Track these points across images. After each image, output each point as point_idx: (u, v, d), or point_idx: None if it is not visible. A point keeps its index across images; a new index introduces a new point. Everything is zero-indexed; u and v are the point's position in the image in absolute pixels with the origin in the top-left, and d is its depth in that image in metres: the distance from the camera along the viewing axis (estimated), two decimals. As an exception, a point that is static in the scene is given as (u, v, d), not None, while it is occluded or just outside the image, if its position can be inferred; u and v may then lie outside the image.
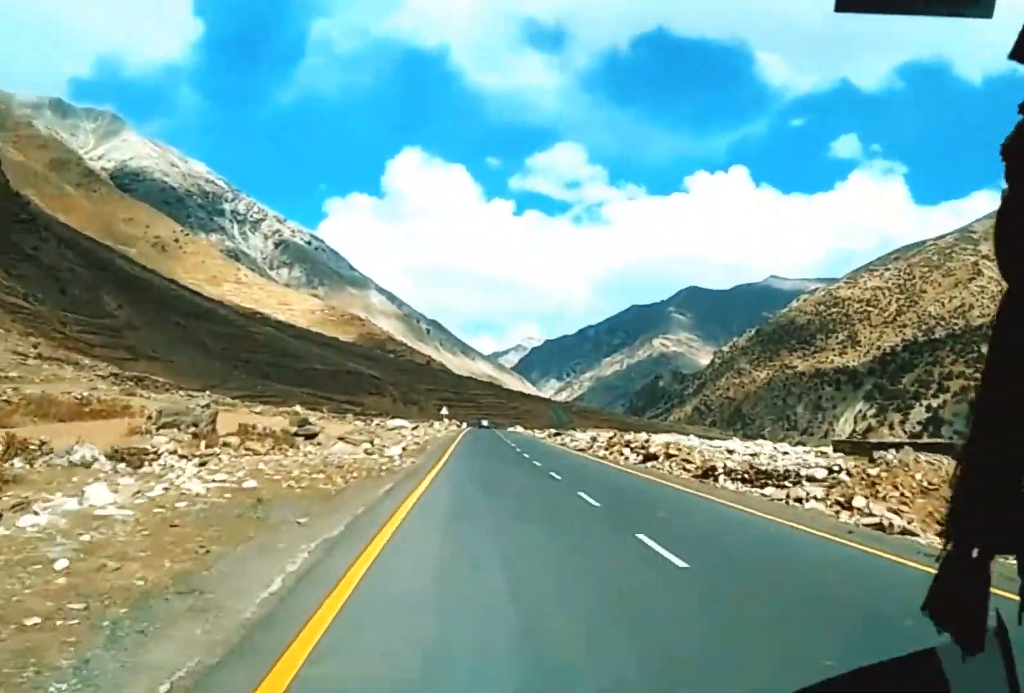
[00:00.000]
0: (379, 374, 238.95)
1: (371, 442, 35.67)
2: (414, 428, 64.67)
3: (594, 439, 66.36)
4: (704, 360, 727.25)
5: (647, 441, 45.88)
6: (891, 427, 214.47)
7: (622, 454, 44.78)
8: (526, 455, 43.33)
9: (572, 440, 70.98)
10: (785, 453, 50.57)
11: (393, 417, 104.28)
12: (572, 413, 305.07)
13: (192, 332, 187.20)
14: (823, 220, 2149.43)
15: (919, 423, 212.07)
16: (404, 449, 35.85)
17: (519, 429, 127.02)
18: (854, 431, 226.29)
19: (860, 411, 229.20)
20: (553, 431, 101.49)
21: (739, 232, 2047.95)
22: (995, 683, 0.92)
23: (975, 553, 0.83)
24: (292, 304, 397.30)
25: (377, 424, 67.26)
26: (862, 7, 1.00)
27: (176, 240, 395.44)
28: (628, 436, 64.30)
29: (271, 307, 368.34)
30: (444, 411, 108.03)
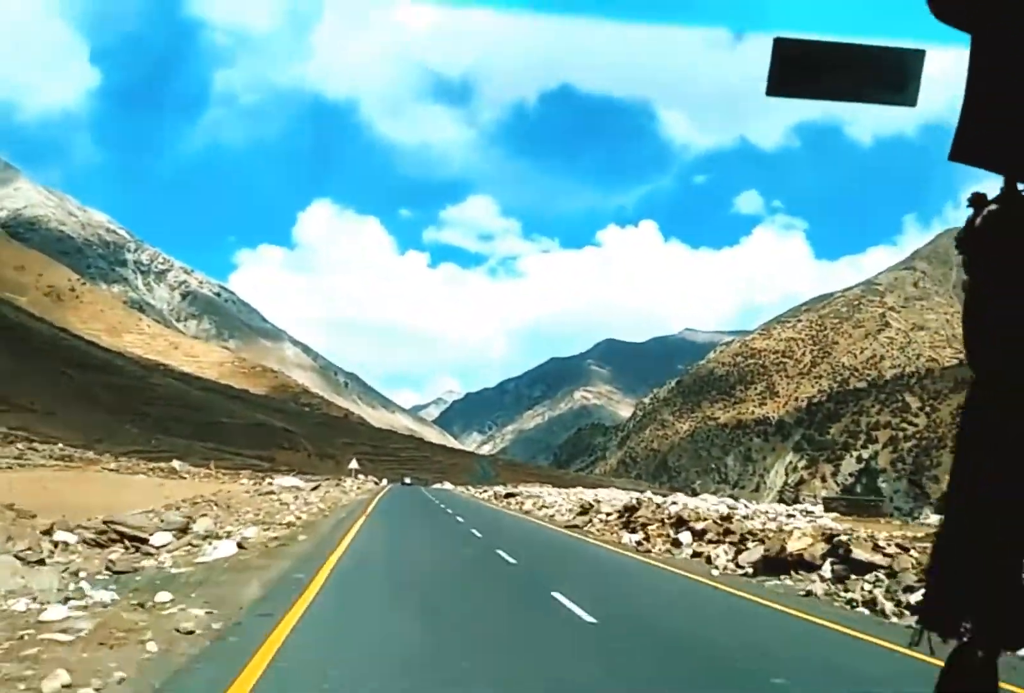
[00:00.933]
0: (293, 427, 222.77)
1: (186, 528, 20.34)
2: (314, 488, 48.86)
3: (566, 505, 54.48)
4: (625, 412, 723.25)
5: (659, 507, 33.57)
6: (823, 479, 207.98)
7: (610, 529, 31.67)
8: (478, 534, 27.32)
9: (530, 500, 58.31)
10: (768, 513, 40.41)
11: (297, 473, 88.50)
12: (498, 467, 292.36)
13: (82, 384, 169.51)
14: (732, 274, 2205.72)
15: (851, 475, 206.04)
16: (242, 546, 18.34)
17: (447, 485, 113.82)
18: (786, 483, 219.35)
19: (791, 463, 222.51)
20: (495, 488, 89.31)
21: (652, 285, 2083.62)
22: None
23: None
24: (199, 356, 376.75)
25: (267, 483, 53.74)
26: (792, 93, 1.07)
27: (72, 289, 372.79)
28: (599, 494, 53.00)
29: (176, 359, 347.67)
30: (353, 464, 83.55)
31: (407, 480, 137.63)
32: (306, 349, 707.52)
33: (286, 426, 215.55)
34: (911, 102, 1.18)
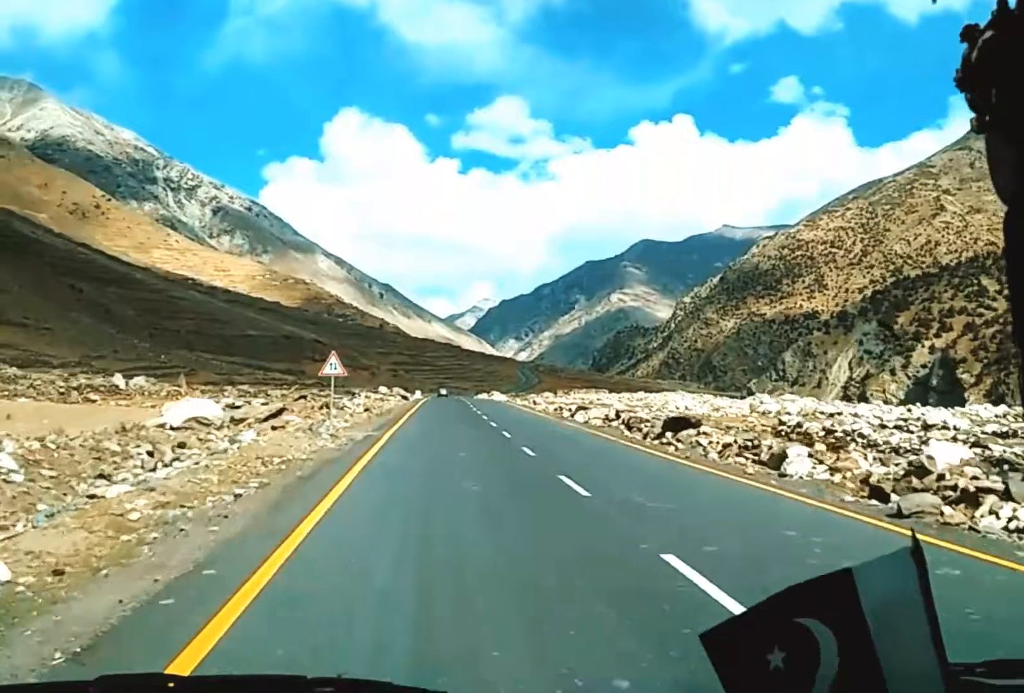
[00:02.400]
0: (324, 339, 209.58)
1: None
2: (262, 419, 36.95)
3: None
4: (663, 313, 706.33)
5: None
6: (893, 372, 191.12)
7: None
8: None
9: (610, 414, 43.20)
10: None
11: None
12: (540, 373, 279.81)
13: (94, 298, 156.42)
14: (770, 167, 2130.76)
15: (923, 366, 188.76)
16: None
17: (496, 396, 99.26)
18: (851, 379, 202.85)
19: (855, 356, 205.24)
20: (552, 398, 74.91)
21: (688, 182, 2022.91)
22: (908, 602, 0.94)
23: None
24: (231, 270, 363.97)
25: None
26: None
27: (97, 206, 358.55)
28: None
29: (206, 273, 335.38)
30: (332, 367, 72.30)
31: (443, 391, 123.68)
32: (339, 261, 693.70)
33: (317, 337, 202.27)
34: None
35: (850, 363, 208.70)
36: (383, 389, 63.20)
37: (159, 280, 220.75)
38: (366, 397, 51.64)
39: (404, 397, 65.14)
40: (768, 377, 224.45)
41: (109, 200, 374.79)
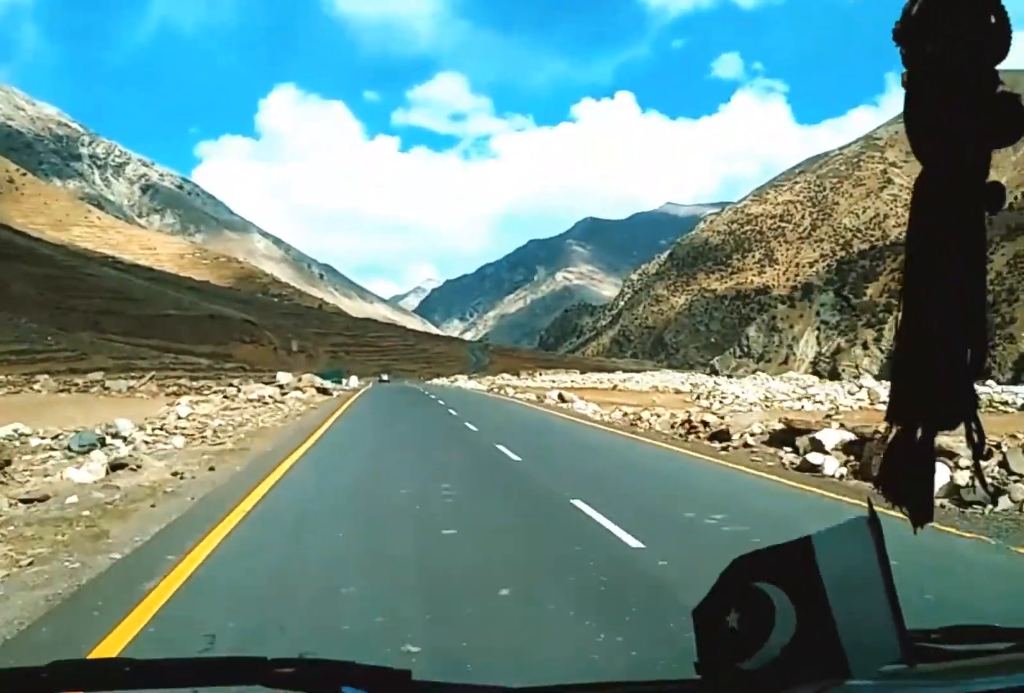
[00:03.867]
0: (255, 318, 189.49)
1: None
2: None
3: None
4: (608, 291, 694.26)
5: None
6: (865, 346, 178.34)
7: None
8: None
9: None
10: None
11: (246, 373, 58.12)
12: (490, 353, 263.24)
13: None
14: (712, 144, 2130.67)
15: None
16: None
17: (464, 382, 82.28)
18: (819, 354, 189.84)
19: (822, 330, 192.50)
20: (523, 383, 58.19)
21: (631, 160, 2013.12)
22: (865, 568, 0.94)
23: (919, 433, 0.82)
24: (157, 248, 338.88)
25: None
26: None
27: (11, 180, 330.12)
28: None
29: (131, 252, 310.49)
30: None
31: (385, 376, 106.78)
32: (277, 241, 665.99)
33: (247, 317, 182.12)
34: None
35: (817, 337, 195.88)
36: (283, 376, 43.23)
37: (71, 256, 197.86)
38: (225, 399, 29.17)
39: (323, 391, 40.91)
40: (732, 353, 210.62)
41: (24, 175, 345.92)
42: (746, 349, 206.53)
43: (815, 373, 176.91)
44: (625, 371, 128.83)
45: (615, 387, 61.72)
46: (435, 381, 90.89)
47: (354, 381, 55.01)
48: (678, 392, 52.52)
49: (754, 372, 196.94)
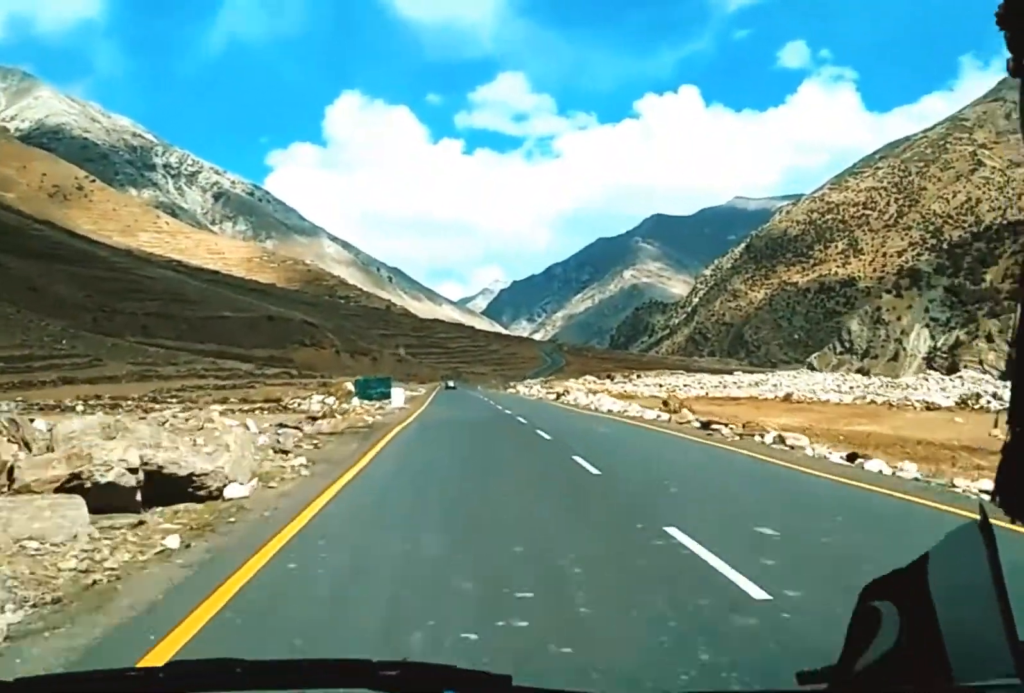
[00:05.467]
0: (317, 320, 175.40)
1: None
2: None
3: None
4: (678, 289, 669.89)
5: None
6: (989, 339, 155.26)
7: None
8: None
9: None
10: None
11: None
12: (564, 353, 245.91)
13: (23, 275, 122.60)
14: (779, 135, 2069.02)
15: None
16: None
17: (524, 390, 65.26)
18: (934, 349, 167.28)
19: (936, 321, 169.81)
20: (617, 387, 41.21)
21: (697, 155, 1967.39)
22: (975, 578, 0.89)
23: None
24: (225, 252, 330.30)
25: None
26: None
27: (80, 187, 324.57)
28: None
29: (199, 256, 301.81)
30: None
31: (451, 383, 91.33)
32: (346, 245, 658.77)
33: (307, 318, 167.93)
34: None
35: (930, 330, 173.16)
36: (316, 399, 27.71)
37: (126, 258, 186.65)
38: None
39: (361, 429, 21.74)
40: (832, 349, 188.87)
41: (93, 182, 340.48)
42: (847, 344, 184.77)
43: (930, 369, 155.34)
44: (746, 372, 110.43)
45: (789, 398, 43.46)
46: (518, 388, 73.76)
47: (398, 397, 34.04)
48: (891, 405, 34.23)
49: (859, 370, 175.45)
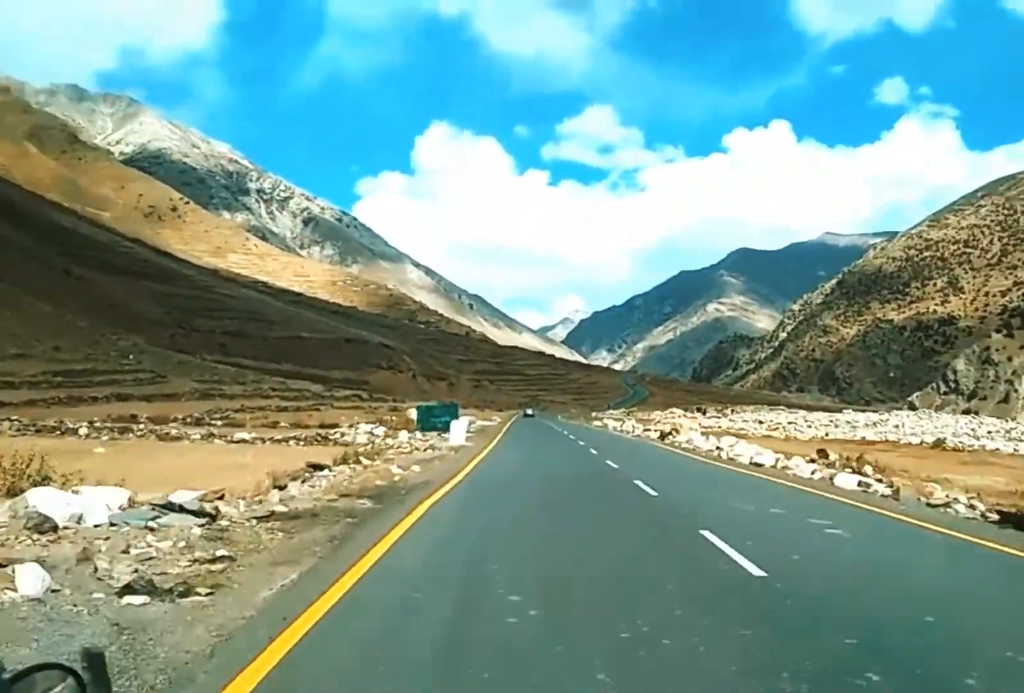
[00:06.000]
0: (395, 343, 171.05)
1: None
2: None
3: None
4: (762, 323, 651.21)
5: None
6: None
7: None
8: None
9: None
10: None
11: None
12: (647, 383, 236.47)
13: (96, 289, 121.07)
14: (873, 172, 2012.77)
15: None
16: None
17: (612, 423, 56.69)
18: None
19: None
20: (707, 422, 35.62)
21: (785, 190, 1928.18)
22: None
23: None
24: (310, 275, 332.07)
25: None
26: None
27: (174, 209, 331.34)
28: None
29: (285, 278, 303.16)
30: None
31: (529, 411, 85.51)
32: (429, 271, 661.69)
33: (385, 342, 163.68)
34: None
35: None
36: (364, 427, 21.44)
37: (210, 277, 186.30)
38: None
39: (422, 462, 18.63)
40: (935, 389, 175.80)
41: (187, 203, 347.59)
42: (952, 384, 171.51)
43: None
44: (856, 411, 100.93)
45: (941, 445, 35.13)
46: (605, 421, 65.43)
47: (458, 433, 25.06)
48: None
49: (965, 411, 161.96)
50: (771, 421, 61.18)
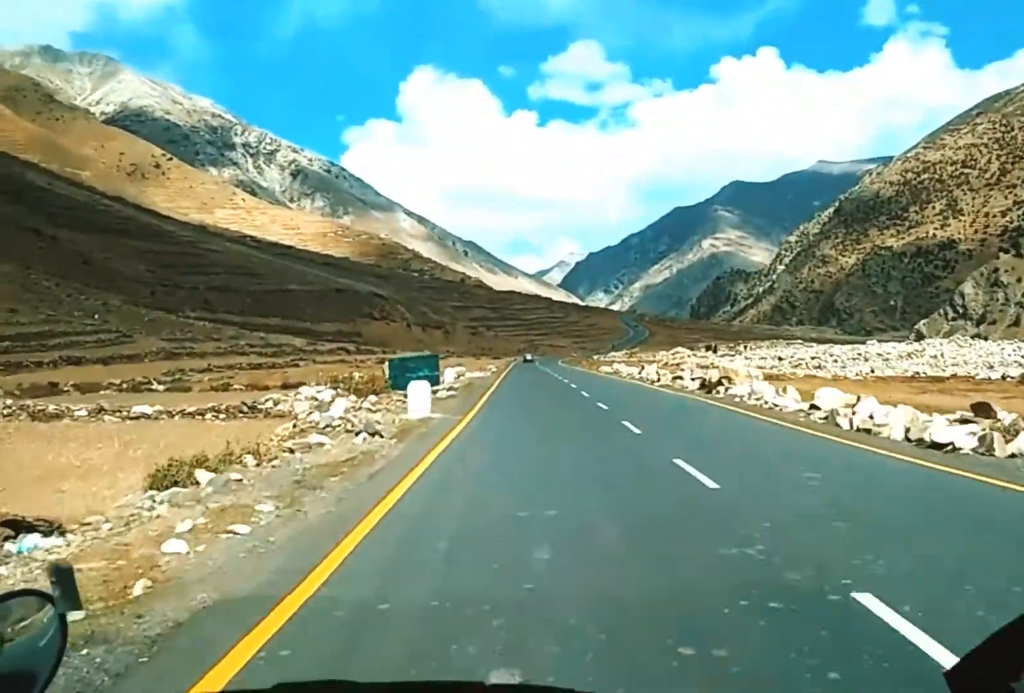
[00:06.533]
0: (387, 292, 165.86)
1: None
2: None
3: None
4: (758, 257, 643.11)
5: None
6: None
7: None
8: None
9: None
10: None
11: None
12: (646, 323, 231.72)
13: (74, 249, 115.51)
14: (864, 97, 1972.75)
15: None
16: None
17: (649, 373, 45.66)
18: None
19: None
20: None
21: (777, 119, 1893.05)
22: None
23: None
24: (300, 227, 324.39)
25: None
26: None
27: (158, 165, 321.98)
28: None
29: (274, 232, 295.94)
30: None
31: (528, 356, 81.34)
32: (422, 220, 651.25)
33: (377, 291, 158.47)
34: None
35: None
36: (307, 391, 16.32)
37: (193, 233, 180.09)
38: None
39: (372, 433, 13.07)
40: (943, 315, 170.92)
41: (170, 160, 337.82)
42: (961, 309, 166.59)
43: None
44: (783, 339, 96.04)
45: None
46: (615, 366, 56.55)
47: (419, 400, 18.74)
48: None
49: (974, 336, 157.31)
50: (792, 357, 56.46)
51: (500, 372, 53.39)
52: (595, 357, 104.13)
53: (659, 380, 36.08)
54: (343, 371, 46.21)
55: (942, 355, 52.17)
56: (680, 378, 33.32)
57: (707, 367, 34.72)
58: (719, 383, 27.65)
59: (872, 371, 37.68)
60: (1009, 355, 49.15)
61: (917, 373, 35.96)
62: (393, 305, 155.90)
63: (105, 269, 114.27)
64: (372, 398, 20.27)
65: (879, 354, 55.33)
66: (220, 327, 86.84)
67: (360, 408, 17.48)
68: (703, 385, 28.93)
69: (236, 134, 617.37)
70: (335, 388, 22.50)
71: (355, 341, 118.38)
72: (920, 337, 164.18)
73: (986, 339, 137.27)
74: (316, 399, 19.01)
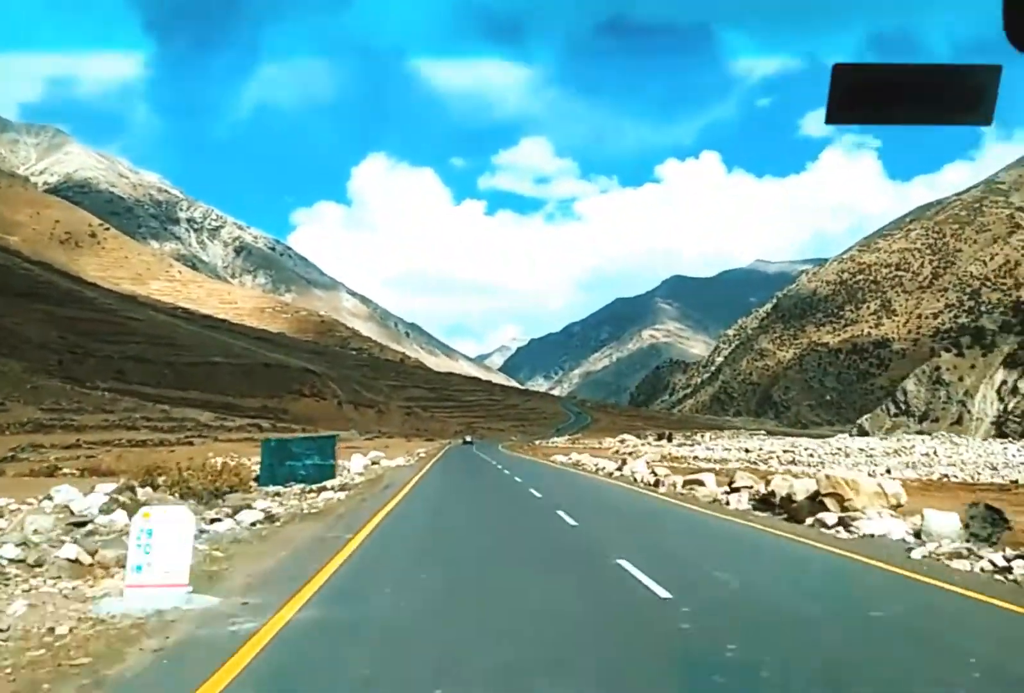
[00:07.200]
0: (320, 368, 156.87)
1: None
2: None
3: None
4: (697, 349, 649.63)
5: None
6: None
7: None
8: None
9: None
10: None
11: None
12: (588, 409, 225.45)
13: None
14: (801, 201, 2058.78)
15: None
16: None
17: (605, 463, 36.78)
18: (1005, 410, 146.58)
19: (1005, 382, 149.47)
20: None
21: (717, 219, 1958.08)
22: None
23: None
24: (237, 302, 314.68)
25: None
26: (853, 120, 0.94)
27: (93, 234, 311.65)
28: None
29: (210, 306, 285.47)
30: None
31: (468, 438, 73.76)
32: (364, 300, 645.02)
33: (308, 366, 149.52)
34: (986, 121, 0.98)
35: (998, 391, 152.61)
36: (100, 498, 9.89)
37: (114, 299, 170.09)
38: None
39: None
40: (885, 411, 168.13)
41: (107, 230, 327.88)
42: (903, 406, 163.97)
43: (1000, 435, 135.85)
44: (719, 430, 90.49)
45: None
46: (557, 459, 45.95)
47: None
48: None
49: (917, 432, 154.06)
50: (760, 450, 49.70)
51: (429, 458, 44.81)
52: (538, 442, 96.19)
53: (657, 485, 24.08)
54: (237, 450, 37.88)
55: (934, 453, 46.31)
56: (700, 483, 21.29)
57: (766, 474, 21.04)
58: (821, 506, 14.03)
59: (888, 471, 31.03)
60: (1013, 455, 43.37)
61: (946, 475, 29.48)
62: (325, 382, 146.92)
63: (11, 333, 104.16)
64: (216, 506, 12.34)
65: (861, 450, 49.21)
66: (119, 398, 77.27)
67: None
68: (770, 504, 16.29)
69: (181, 209, 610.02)
70: (144, 485, 14.42)
71: (280, 418, 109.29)
72: (863, 432, 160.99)
73: (930, 436, 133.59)
74: (70, 510, 10.85)
